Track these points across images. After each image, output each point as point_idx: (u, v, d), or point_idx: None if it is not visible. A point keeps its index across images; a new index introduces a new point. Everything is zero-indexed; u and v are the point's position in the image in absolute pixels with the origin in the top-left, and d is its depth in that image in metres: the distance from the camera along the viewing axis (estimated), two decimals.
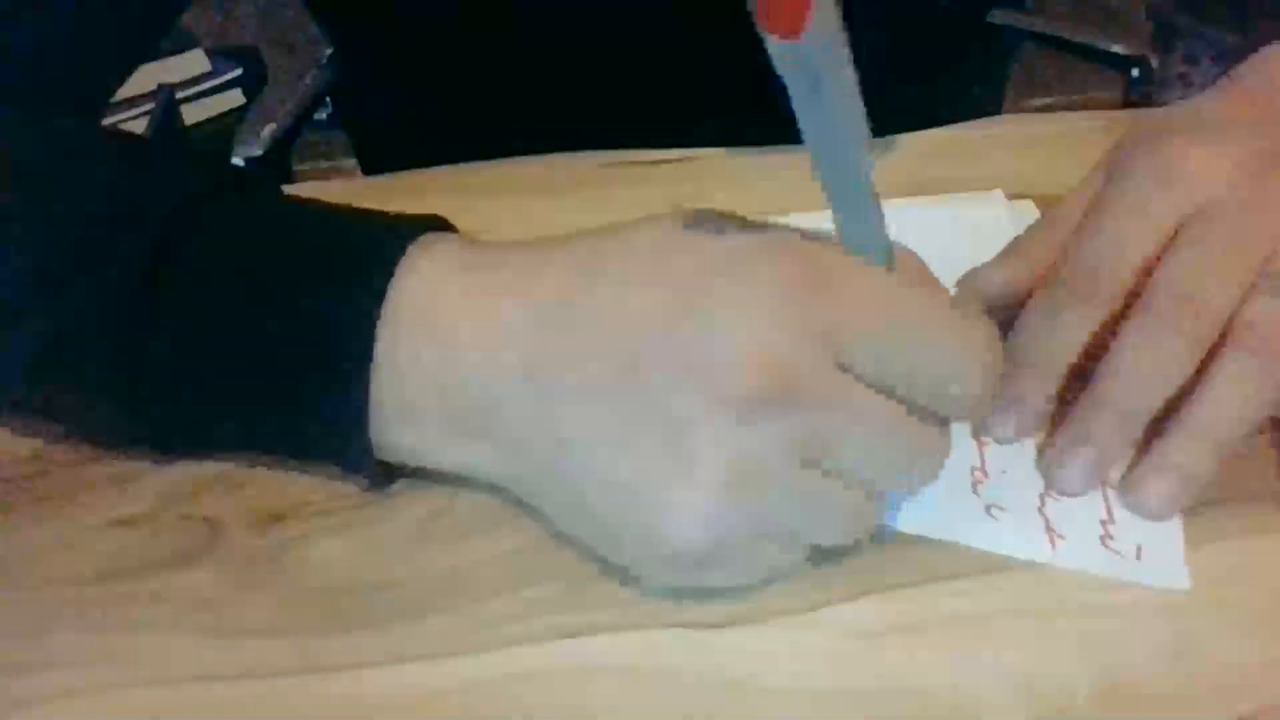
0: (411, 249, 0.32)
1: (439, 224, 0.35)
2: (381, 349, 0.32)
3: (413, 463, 0.34)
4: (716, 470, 0.29)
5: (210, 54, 1.59)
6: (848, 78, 0.27)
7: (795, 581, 0.33)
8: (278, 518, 0.35)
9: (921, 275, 0.32)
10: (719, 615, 0.32)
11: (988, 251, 0.42)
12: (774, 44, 0.25)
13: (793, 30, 0.25)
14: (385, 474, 0.35)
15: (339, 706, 0.30)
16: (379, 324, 0.31)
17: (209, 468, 0.37)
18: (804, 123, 0.28)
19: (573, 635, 0.32)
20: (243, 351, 0.33)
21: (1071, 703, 0.30)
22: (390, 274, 0.32)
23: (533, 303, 0.31)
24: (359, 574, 0.34)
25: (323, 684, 0.31)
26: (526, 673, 0.31)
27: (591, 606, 0.32)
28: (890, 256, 0.31)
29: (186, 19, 1.69)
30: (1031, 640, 0.31)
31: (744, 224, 0.31)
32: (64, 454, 0.38)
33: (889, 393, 0.30)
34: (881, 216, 0.30)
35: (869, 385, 0.29)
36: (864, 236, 0.31)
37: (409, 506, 0.35)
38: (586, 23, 0.53)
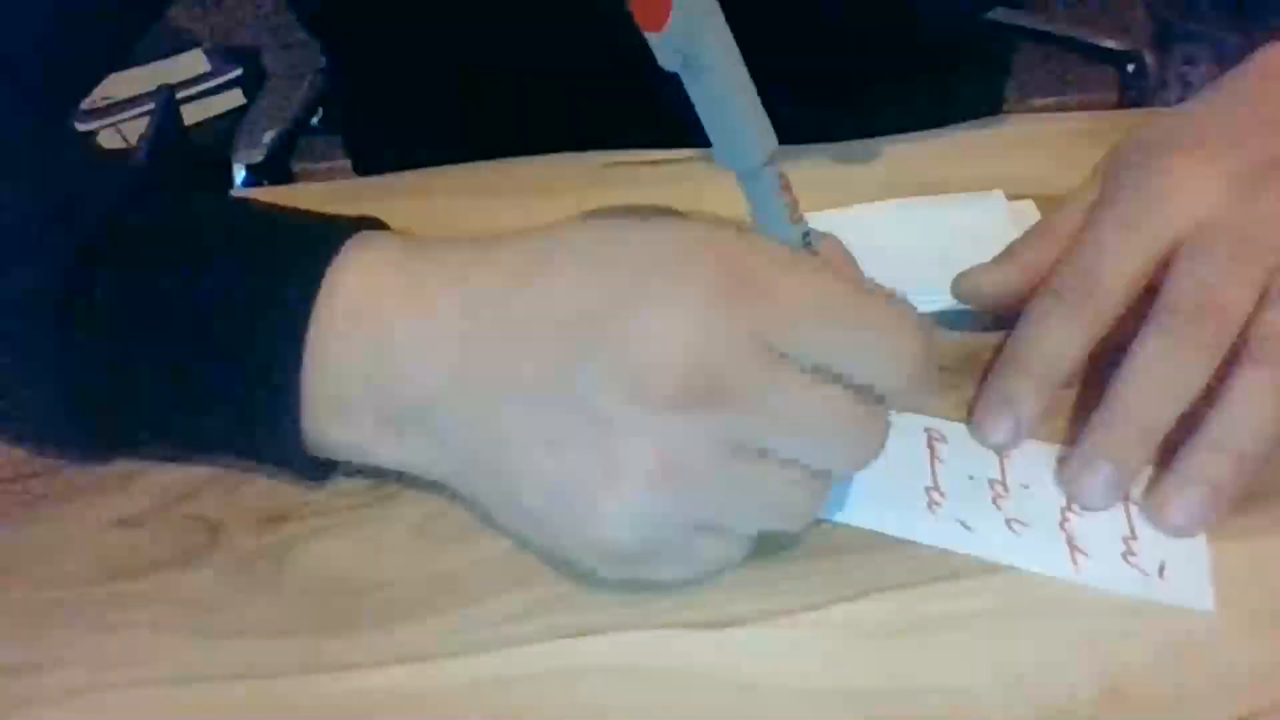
0: (346, 245, 0.33)
1: (375, 224, 0.35)
2: (314, 344, 0.32)
3: (353, 459, 0.34)
4: (642, 471, 0.29)
5: (210, 54, 1.59)
6: (730, 66, 0.29)
7: (795, 581, 0.33)
8: (278, 518, 0.35)
9: (841, 261, 0.33)
10: (719, 615, 0.32)
11: (988, 251, 0.42)
12: (649, 37, 0.27)
13: (657, 24, 0.26)
14: (321, 470, 0.35)
15: (339, 706, 0.30)
16: (311, 319, 0.32)
17: (209, 468, 0.37)
18: (701, 113, 0.29)
19: (572, 635, 0.32)
20: (174, 345, 0.33)
21: (1071, 703, 0.30)
22: (324, 269, 0.32)
23: (467, 299, 0.31)
24: (359, 574, 0.34)
25: (323, 684, 0.31)
26: (526, 673, 0.31)
27: (591, 606, 0.32)
28: (808, 235, 0.32)
29: (186, 19, 1.70)
30: (1031, 640, 0.31)
31: (677, 219, 0.31)
32: (82, 459, 0.37)
33: (827, 376, 0.30)
34: (795, 206, 0.32)
35: (805, 372, 0.30)
36: (777, 218, 0.32)
37: (408, 507, 0.35)
38: (581, 30, 0.53)
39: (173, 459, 0.37)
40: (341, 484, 0.36)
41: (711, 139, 0.30)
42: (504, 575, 0.33)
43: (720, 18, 0.28)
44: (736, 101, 0.29)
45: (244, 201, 0.36)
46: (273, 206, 0.35)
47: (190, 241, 0.34)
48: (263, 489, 0.36)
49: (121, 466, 0.37)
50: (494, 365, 0.30)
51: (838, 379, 0.30)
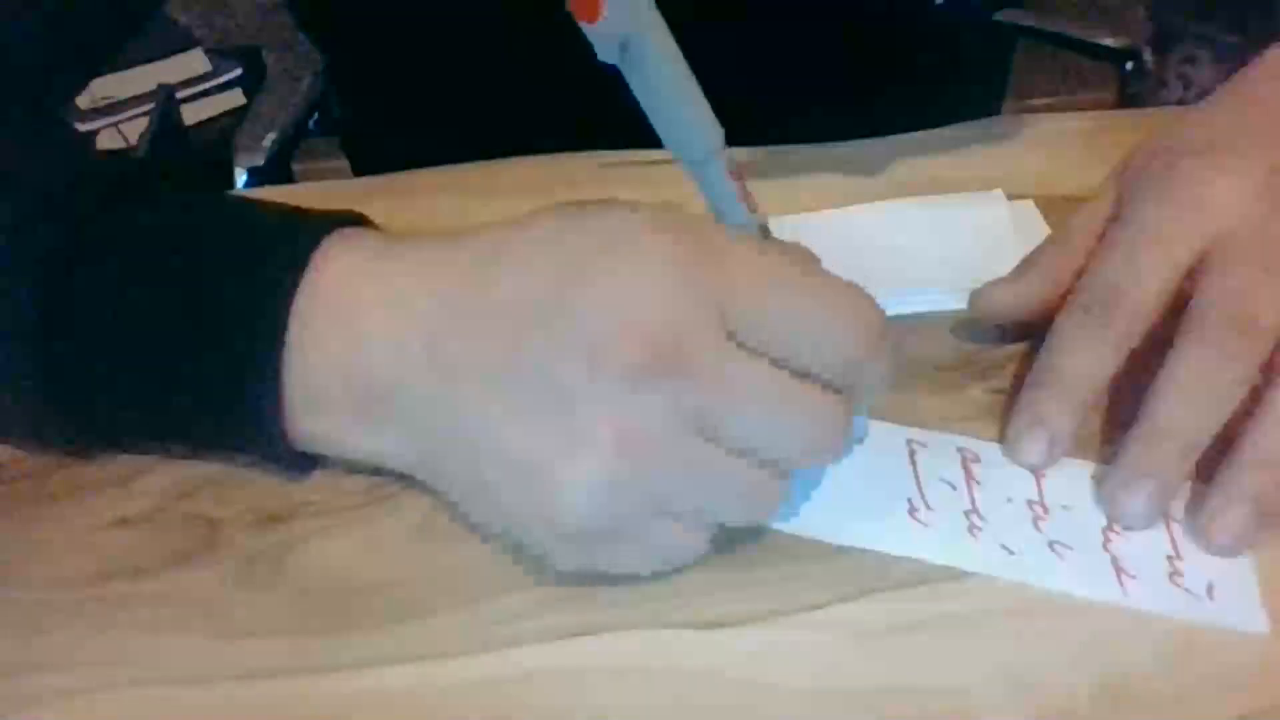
0: (326, 241, 0.33)
1: (357, 219, 0.35)
2: (292, 337, 0.32)
3: (327, 452, 0.35)
4: (600, 441, 0.29)
5: (210, 54, 1.59)
6: (669, 55, 0.30)
7: (795, 581, 0.33)
8: (278, 518, 0.35)
9: (798, 251, 0.33)
10: (719, 615, 0.32)
11: (988, 251, 0.42)
12: (585, 28, 0.28)
13: (591, 14, 0.27)
14: (304, 463, 0.35)
15: (339, 706, 0.30)
16: (291, 313, 0.32)
17: (209, 468, 0.37)
18: (644, 105, 0.30)
19: (573, 635, 0.32)
20: (157, 340, 0.33)
21: (1071, 703, 0.30)
22: (303, 265, 0.32)
23: (437, 289, 0.32)
24: (359, 574, 0.34)
25: (323, 684, 0.31)
26: (527, 672, 0.31)
27: (591, 606, 0.32)
28: (764, 229, 0.33)
29: (186, 19, 1.70)
30: (1031, 640, 0.31)
31: (634, 205, 0.32)
32: (64, 454, 0.37)
33: (782, 364, 0.30)
34: (747, 195, 0.32)
35: (760, 356, 0.30)
36: (731, 207, 0.32)
37: (409, 506, 0.35)
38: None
39: (174, 459, 0.37)
40: (342, 484, 0.36)
41: (657, 131, 0.31)
42: (504, 575, 0.33)
43: (653, 6, 0.29)
44: (678, 91, 0.30)
45: (225, 198, 0.36)
46: (254, 202, 0.35)
47: (172, 238, 0.34)
48: (263, 489, 0.36)
49: (121, 466, 0.37)
50: (459, 348, 0.31)
51: (790, 364, 0.30)
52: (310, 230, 0.33)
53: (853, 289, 0.31)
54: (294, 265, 0.32)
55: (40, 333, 0.33)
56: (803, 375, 0.30)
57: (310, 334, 0.32)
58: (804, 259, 0.33)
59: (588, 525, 0.30)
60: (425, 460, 0.33)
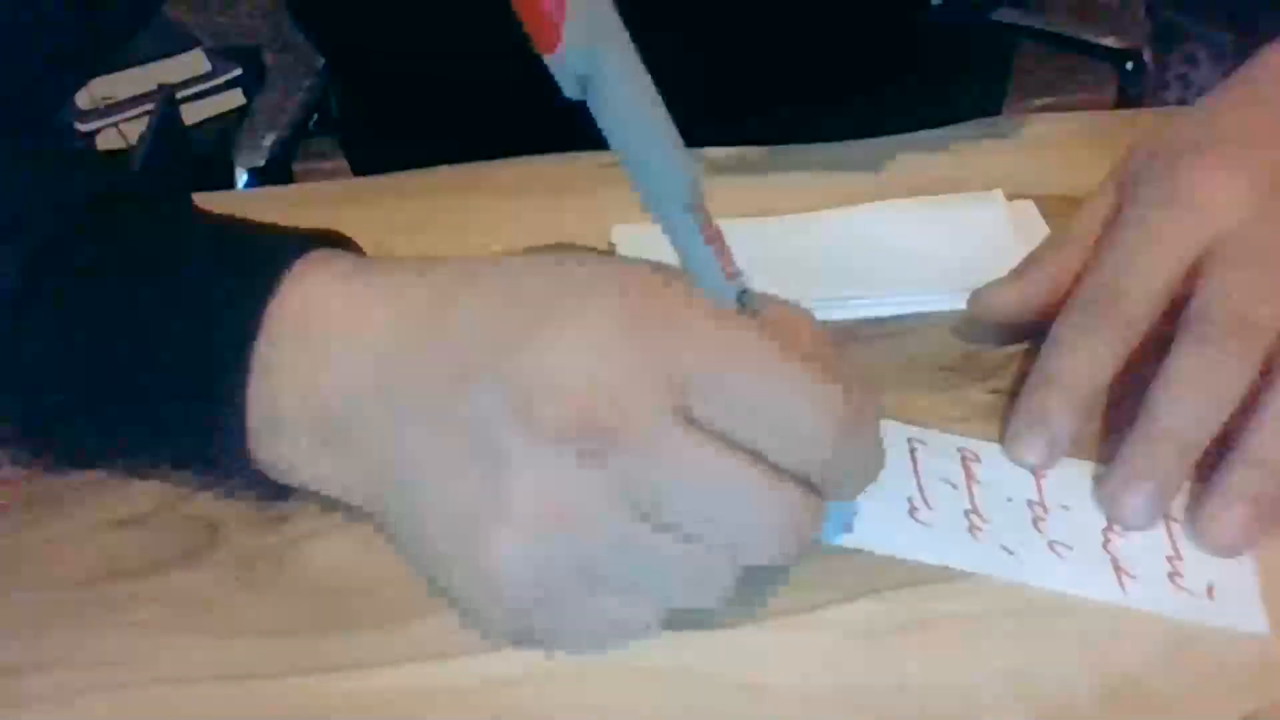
0: (298, 263, 0.32)
1: (334, 238, 0.35)
2: (259, 361, 0.31)
3: (292, 482, 0.33)
4: (533, 507, 0.28)
5: (210, 54, 1.59)
6: (637, 95, 0.27)
7: (795, 581, 0.33)
8: (278, 518, 0.35)
9: (784, 324, 0.30)
10: (719, 615, 0.32)
11: (988, 251, 0.42)
12: (547, 61, 0.26)
13: (549, 44, 0.25)
14: (273, 489, 0.34)
15: (339, 706, 0.30)
16: (258, 337, 0.31)
17: None
18: (613, 147, 0.28)
19: None
20: (123, 360, 0.32)
21: (1071, 703, 0.30)
22: (272, 287, 0.32)
23: (399, 318, 0.31)
24: (359, 574, 0.34)
25: (323, 684, 0.31)
26: (526, 673, 0.31)
27: None
28: (745, 295, 0.30)
29: (186, 19, 1.69)
30: (1031, 640, 0.31)
31: (608, 259, 0.31)
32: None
33: (740, 446, 0.28)
34: (724, 255, 0.29)
35: (714, 437, 0.28)
36: (705, 271, 0.29)
37: None
38: None
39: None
40: None
41: (628, 176, 0.28)
42: None
43: (624, 40, 0.26)
44: (646, 137, 0.27)
45: (201, 214, 0.35)
46: (229, 219, 0.35)
47: (143, 257, 0.33)
48: None
49: None
50: (408, 383, 0.30)
51: (750, 450, 0.28)
52: (283, 250, 0.33)
53: (835, 374, 0.29)
54: (262, 287, 0.32)
55: (7, 338, 0.32)
56: (767, 464, 0.28)
57: (277, 353, 0.31)
58: (791, 329, 0.30)
59: (516, 591, 0.28)
60: (376, 496, 0.32)
